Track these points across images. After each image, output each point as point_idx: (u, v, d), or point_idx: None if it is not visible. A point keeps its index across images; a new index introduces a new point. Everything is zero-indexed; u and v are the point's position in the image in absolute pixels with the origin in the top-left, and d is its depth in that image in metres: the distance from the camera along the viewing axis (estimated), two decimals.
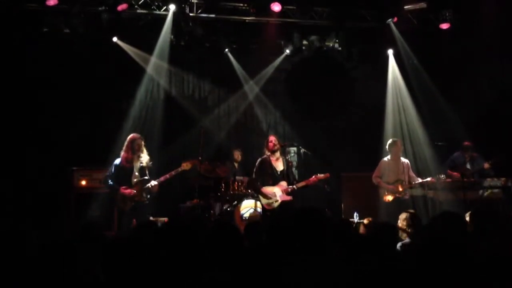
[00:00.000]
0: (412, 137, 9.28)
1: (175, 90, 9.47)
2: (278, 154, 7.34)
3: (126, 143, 6.73)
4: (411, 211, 5.09)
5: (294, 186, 7.21)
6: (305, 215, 2.96)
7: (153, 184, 6.71)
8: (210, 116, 9.64)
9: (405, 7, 8.58)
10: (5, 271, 3.09)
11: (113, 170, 6.73)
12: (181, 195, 8.59)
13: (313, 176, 7.35)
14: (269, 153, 7.31)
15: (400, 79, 9.50)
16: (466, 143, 8.25)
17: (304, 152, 7.84)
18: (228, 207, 8.01)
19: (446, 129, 8.95)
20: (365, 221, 5.36)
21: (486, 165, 7.95)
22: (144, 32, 8.48)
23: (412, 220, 4.55)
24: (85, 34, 8.13)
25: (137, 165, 6.71)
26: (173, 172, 6.90)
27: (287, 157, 7.67)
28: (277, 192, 7.17)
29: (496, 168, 7.96)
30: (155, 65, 8.79)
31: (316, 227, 2.87)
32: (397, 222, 4.67)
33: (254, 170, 7.42)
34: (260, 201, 7.37)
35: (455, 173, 7.98)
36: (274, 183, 7.23)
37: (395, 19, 8.75)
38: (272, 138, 7.41)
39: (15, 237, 3.45)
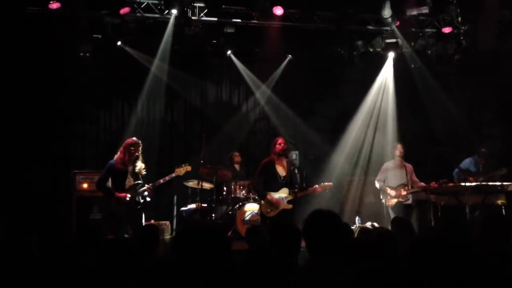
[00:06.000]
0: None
1: (178, 94, 9.46)
2: (283, 157, 6.87)
3: (123, 146, 6.56)
4: (398, 217, 5.02)
5: (295, 195, 6.76)
6: (319, 218, 2.90)
7: (147, 189, 6.61)
8: (212, 119, 9.59)
9: (408, 11, 8.58)
10: (7, 273, 3.09)
11: (107, 173, 6.54)
12: (183, 198, 8.56)
13: (316, 186, 7.10)
14: (275, 156, 6.86)
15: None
16: (482, 149, 8.12)
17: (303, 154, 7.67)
18: (230, 211, 7.99)
19: (452, 132, 8.94)
20: (359, 227, 5.33)
21: (505, 171, 7.78)
22: (147, 36, 8.48)
23: (396, 227, 4.37)
24: (89, 37, 8.13)
25: (130, 169, 6.56)
26: (167, 178, 6.81)
27: (291, 160, 7.17)
28: (282, 200, 6.76)
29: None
30: (157, 68, 8.79)
31: (331, 230, 2.82)
32: None
33: (256, 172, 7.01)
34: (260, 206, 7.03)
35: (470, 178, 7.72)
36: (277, 189, 6.82)
37: (398, 23, 8.75)
38: (280, 140, 6.90)
39: (16, 240, 3.44)
